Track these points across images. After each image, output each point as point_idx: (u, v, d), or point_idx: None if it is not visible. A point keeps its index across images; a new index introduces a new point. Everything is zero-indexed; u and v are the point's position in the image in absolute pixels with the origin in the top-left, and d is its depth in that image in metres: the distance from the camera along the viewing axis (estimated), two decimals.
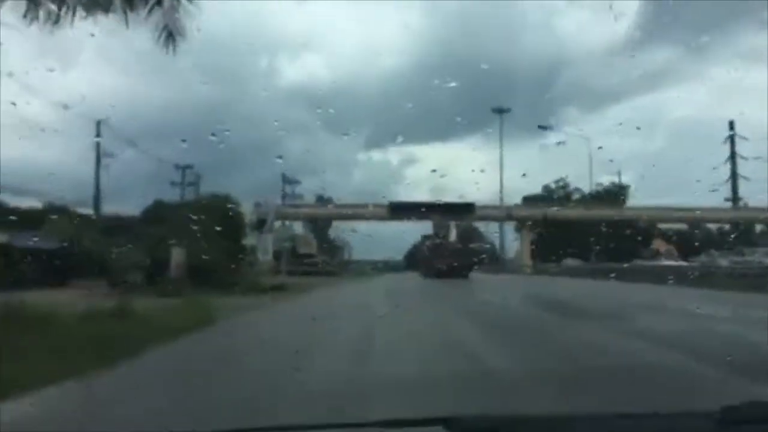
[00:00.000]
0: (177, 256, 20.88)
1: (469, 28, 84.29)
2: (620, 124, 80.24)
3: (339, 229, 68.95)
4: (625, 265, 38.97)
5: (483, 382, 6.43)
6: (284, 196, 60.15)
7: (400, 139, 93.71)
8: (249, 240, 33.83)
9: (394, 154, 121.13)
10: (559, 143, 79.22)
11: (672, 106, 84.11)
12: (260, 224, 40.95)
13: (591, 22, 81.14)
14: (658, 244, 53.79)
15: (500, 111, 60.77)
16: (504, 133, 62.61)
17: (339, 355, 8.30)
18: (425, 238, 50.71)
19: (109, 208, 42.32)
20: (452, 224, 48.27)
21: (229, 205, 27.91)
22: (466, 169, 66.78)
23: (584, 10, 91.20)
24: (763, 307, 14.00)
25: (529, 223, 60.84)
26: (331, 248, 68.41)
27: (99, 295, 16.65)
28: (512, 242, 67.65)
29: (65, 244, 23.68)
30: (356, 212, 54.75)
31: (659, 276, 26.78)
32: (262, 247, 37.25)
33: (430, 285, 34.86)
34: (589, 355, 8.31)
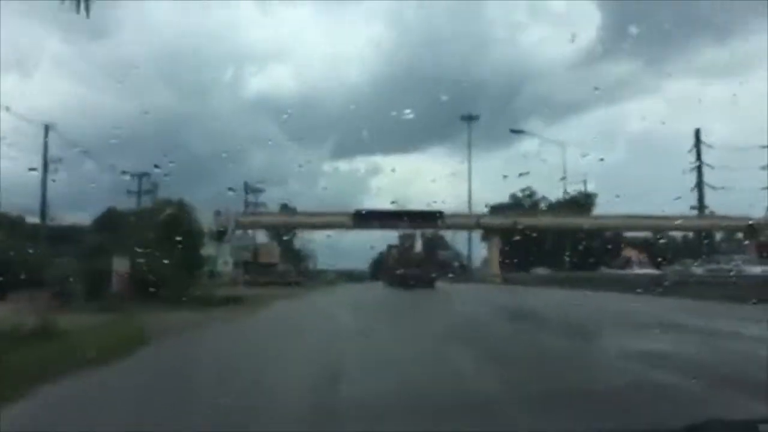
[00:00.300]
0: (119, 267, 19.12)
1: (434, 41, 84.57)
2: (594, 137, 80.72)
3: (304, 239, 67.65)
4: (597, 274, 38.26)
5: (457, 402, 5.94)
6: (247, 205, 58.44)
7: (366, 148, 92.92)
8: (208, 249, 32.34)
9: (360, 164, 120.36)
10: (525, 169, 79.43)
11: (633, 118, 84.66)
12: (220, 233, 39.49)
13: (554, 37, 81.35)
14: (630, 253, 53.38)
15: (469, 118, 60.88)
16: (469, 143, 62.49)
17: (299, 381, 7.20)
18: (391, 247, 49.76)
19: (65, 218, 40.26)
20: (418, 233, 47.32)
21: (185, 212, 26.41)
22: (433, 179, 66.40)
23: (547, 25, 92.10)
24: (747, 319, 13.43)
25: (497, 232, 60.07)
26: (295, 258, 66.85)
27: (36, 310, 15.04)
28: (480, 251, 66.89)
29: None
30: (321, 221, 53.35)
31: (633, 285, 26.00)
32: (222, 257, 35.77)
33: (395, 295, 33.84)
34: (565, 373, 7.78)
